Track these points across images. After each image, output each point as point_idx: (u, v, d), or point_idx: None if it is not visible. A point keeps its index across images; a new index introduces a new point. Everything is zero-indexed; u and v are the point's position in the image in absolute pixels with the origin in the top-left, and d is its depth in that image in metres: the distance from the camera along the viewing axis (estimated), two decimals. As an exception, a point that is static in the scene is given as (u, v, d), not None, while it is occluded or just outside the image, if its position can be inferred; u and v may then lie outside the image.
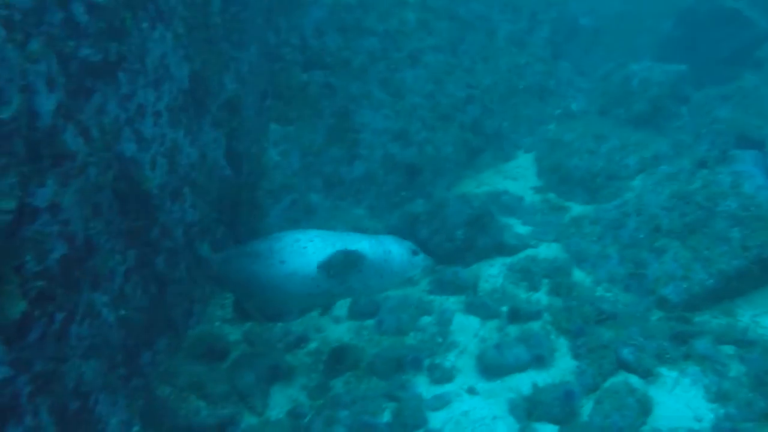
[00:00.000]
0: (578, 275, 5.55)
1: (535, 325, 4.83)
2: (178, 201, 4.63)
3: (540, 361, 4.43)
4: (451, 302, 5.32)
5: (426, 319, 5.13)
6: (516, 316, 4.92)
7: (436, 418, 4.04)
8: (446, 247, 5.73)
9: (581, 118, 8.14)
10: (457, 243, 5.70)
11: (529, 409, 4.01)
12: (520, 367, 4.40)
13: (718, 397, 3.93)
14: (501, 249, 5.86)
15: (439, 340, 4.89)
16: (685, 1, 9.45)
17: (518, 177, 7.57)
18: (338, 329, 5.21)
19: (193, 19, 4.75)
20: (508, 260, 5.77)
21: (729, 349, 4.32)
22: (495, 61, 8.30)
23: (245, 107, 5.93)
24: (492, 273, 5.66)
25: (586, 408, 3.96)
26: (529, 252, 5.86)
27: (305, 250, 4.25)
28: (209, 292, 5.48)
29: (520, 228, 6.40)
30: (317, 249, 4.24)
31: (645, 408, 3.90)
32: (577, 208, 6.61)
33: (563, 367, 4.39)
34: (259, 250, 4.36)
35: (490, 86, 8.13)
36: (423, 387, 4.36)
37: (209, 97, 5.13)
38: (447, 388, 4.33)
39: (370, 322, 5.19)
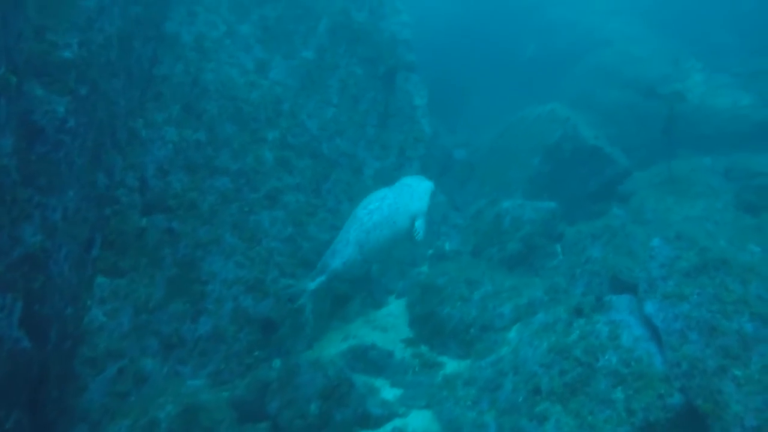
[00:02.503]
0: (452, 451, 5.07)
1: None
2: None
3: None
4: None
5: None
6: None
7: None
8: (298, 425, 5.08)
9: (454, 259, 8.07)
10: (311, 419, 5.09)
11: None
12: None
13: None
14: (364, 421, 5.36)
15: None
16: (551, 138, 9.98)
17: (389, 327, 7.20)
18: None
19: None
20: (372, 436, 5.22)
21: None
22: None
23: (56, 262, 5.21)
24: (354, 455, 5.07)
25: None
26: (397, 424, 5.32)
27: None
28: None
29: (388, 391, 5.94)
30: None
31: None
32: (451, 365, 6.30)
33: None
34: None
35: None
36: None
37: (-5, 254, 4.43)
38: None
39: None
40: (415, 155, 9.18)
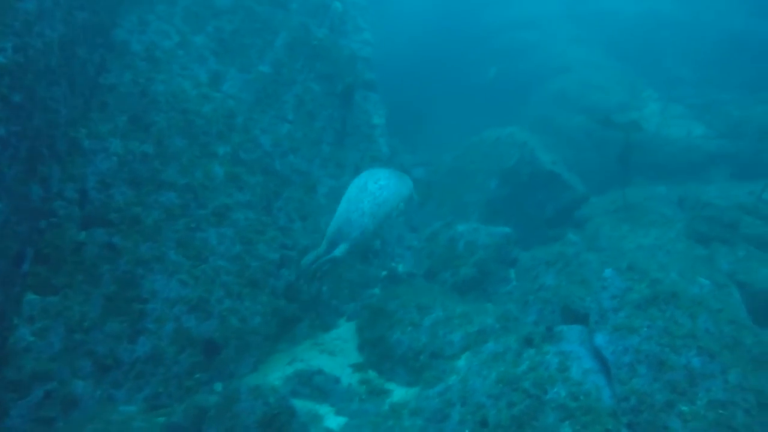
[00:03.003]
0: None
1: None
2: None
3: None
4: None
5: None
6: None
7: None
8: (234, 456, 4.86)
9: (407, 282, 7.94)
10: (248, 450, 4.87)
11: None
12: None
13: None
14: (304, 452, 5.09)
15: None
16: (509, 162, 10.00)
17: (337, 351, 7.03)
18: None
19: None
20: (311, 470, 5.03)
21: None
22: (314, 220, 8.01)
23: (-21, 279, 4.92)
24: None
25: None
26: (339, 455, 5.15)
27: None
28: None
29: (332, 420, 5.76)
30: None
31: None
32: (398, 392, 6.16)
33: None
34: None
35: (309, 247, 7.74)
36: None
37: None
38: None
39: None
40: (371, 176, 9.07)
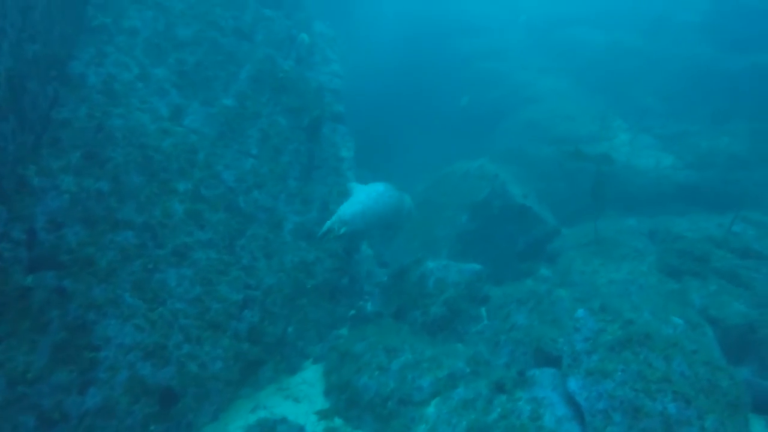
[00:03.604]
0: None
1: None
2: None
3: None
4: None
5: None
6: None
7: None
8: None
9: (376, 322, 7.68)
10: None
11: None
12: None
13: None
14: None
15: None
16: (480, 195, 9.87)
17: (302, 397, 6.74)
18: None
19: None
20: None
21: None
22: (280, 258, 7.74)
23: None
24: None
25: None
26: None
27: None
28: None
29: (295, 474, 5.40)
30: None
31: None
32: (365, 442, 5.82)
33: None
34: None
35: (273, 286, 7.50)
36: None
37: None
38: None
39: None
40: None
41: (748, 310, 7.31)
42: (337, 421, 6.30)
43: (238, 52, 8.72)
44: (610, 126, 13.60)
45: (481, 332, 7.47)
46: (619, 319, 5.81)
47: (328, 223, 7.77)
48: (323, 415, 6.44)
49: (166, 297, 6.65)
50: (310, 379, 7.17)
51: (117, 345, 6.11)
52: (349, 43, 15.35)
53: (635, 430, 4.91)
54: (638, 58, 15.62)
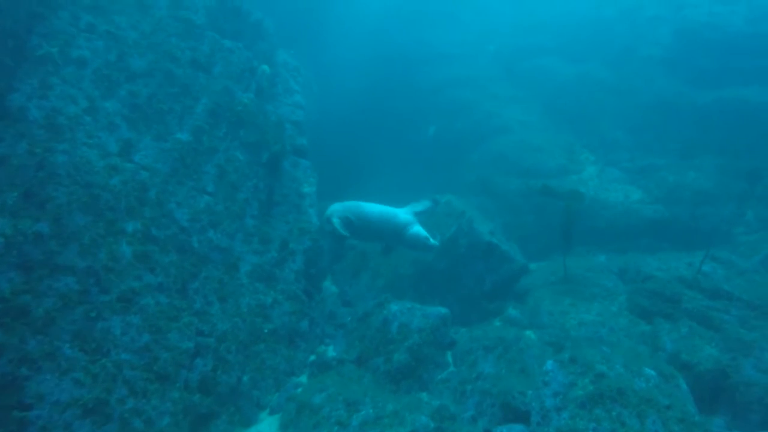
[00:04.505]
0: None
1: None
2: None
3: None
4: None
5: None
6: None
7: None
8: None
9: (337, 369, 7.30)
10: None
11: None
12: None
13: None
14: None
15: None
16: (446, 233, 9.62)
17: (256, 454, 6.29)
18: None
19: None
20: None
21: None
22: (235, 301, 7.36)
23: None
24: None
25: None
26: None
27: None
28: None
29: None
30: None
31: None
32: None
33: None
34: None
35: (228, 332, 7.10)
36: None
37: None
38: None
39: None
40: (299, 248, 8.50)
41: (719, 355, 7.14)
42: (293, 483, 5.91)
43: (194, 84, 8.38)
44: (578, 159, 13.53)
45: (447, 380, 7.16)
46: (590, 372, 5.55)
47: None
48: (278, 475, 6.04)
49: (110, 347, 6.21)
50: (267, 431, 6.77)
51: (52, 402, 5.64)
52: (315, 71, 15.13)
53: (608, 496, 4.64)
54: (606, 90, 15.65)
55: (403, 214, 9.63)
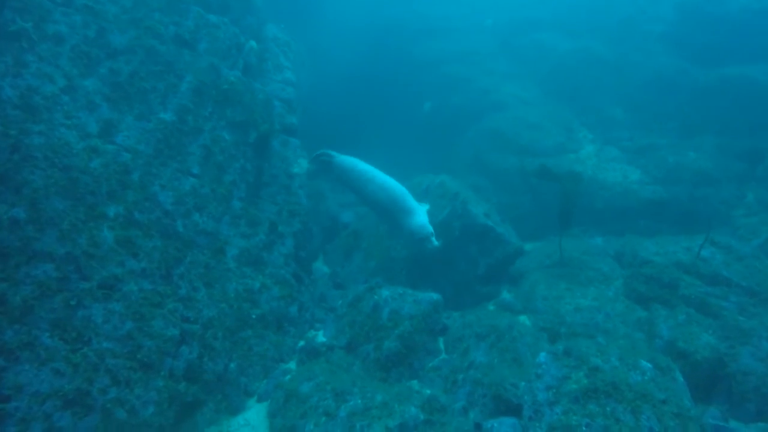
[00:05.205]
0: None
1: None
2: None
3: None
4: None
5: None
6: None
7: None
8: None
9: (326, 356, 7.18)
10: None
11: None
12: None
13: None
14: None
15: None
16: (440, 215, 9.43)
17: (243, 442, 6.18)
18: None
19: None
20: None
21: None
22: (222, 287, 7.19)
23: None
24: None
25: None
26: None
27: None
28: None
29: None
30: None
31: None
32: (307, 502, 5.32)
33: None
34: None
35: (214, 318, 6.94)
36: None
37: None
38: None
39: None
40: (288, 231, 8.31)
41: (717, 343, 7.01)
42: (280, 473, 5.80)
43: (178, 61, 8.09)
44: (576, 137, 13.31)
45: (438, 368, 7.04)
46: (584, 365, 5.42)
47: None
48: (264, 466, 5.94)
49: (91, 336, 6.04)
50: (254, 420, 6.64)
51: (31, 393, 5.49)
52: (307, 45, 14.79)
53: (601, 494, 4.53)
54: (605, 66, 15.38)
55: (421, 215, 8.91)
